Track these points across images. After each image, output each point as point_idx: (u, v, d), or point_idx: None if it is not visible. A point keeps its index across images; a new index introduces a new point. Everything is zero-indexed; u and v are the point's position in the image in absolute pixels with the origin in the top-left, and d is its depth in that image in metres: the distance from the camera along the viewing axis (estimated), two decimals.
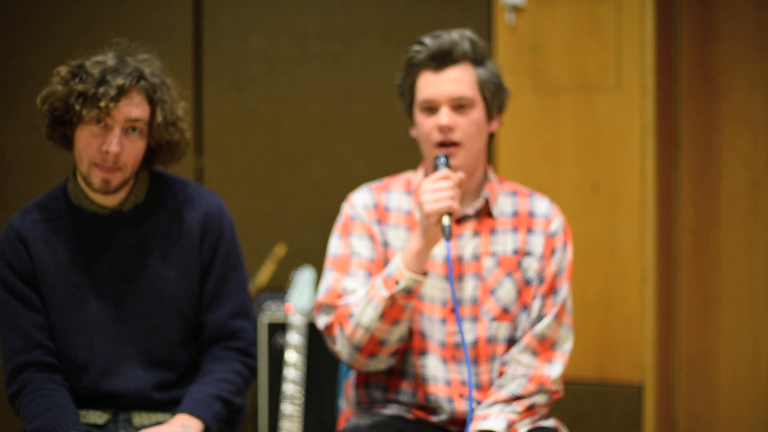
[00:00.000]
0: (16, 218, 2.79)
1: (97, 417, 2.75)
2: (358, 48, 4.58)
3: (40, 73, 2.74)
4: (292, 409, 3.92)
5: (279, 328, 4.19)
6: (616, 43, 4.07)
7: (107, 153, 2.63)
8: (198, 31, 4.56)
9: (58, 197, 2.82)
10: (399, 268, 2.64)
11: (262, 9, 4.59)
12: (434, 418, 2.79)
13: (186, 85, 4.47)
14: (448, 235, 2.59)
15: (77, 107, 2.60)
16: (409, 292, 2.63)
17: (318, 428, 4.16)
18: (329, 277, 2.84)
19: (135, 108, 2.64)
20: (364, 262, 2.82)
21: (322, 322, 2.80)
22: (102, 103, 2.57)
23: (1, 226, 2.81)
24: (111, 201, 2.75)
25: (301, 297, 4.09)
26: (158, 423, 2.74)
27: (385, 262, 2.83)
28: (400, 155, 4.43)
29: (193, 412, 2.66)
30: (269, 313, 4.22)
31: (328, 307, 2.79)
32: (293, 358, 3.97)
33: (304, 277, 4.17)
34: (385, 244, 2.85)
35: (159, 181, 2.87)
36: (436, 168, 2.70)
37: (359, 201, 2.90)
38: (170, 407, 2.78)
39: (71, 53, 2.73)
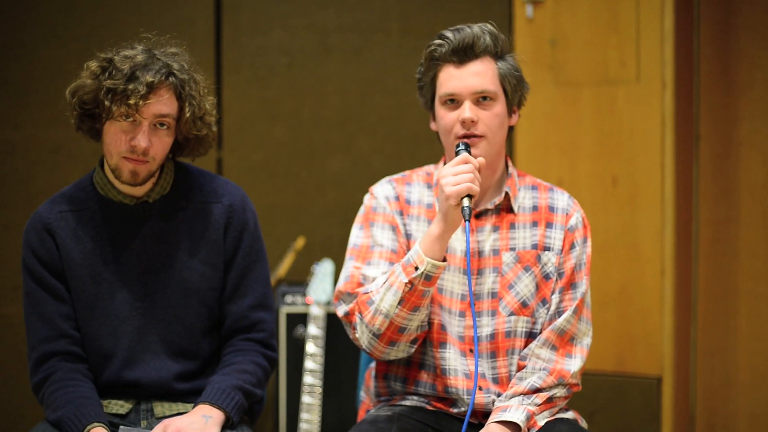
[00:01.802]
0: (42, 209, 2.82)
1: (119, 407, 2.78)
2: (378, 42, 4.59)
3: (62, 68, 2.76)
4: (311, 400, 3.94)
5: (299, 320, 4.21)
6: (636, 37, 4.06)
7: (135, 147, 2.65)
8: (218, 26, 4.57)
9: (84, 188, 2.84)
10: (418, 253, 2.64)
11: (282, 3, 4.61)
12: (454, 410, 2.80)
13: (207, 79, 4.49)
14: (469, 216, 2.59)
15: (106, 103, 2.61)
16: (429, 278, 2.63)
17: (337, 419, 4.18)
18: (349, 265, 2.84)
19: (163, 105, 2.66)
20: (386, 253, 2.83)
21: (341, 310, 2.81)
22: (131, 101, 2.59)
23: (25, 218, 2.84)
24: (137, 191, 2.77)
25: (320, 289, 4.11)
26: (180, 413, 2.76)
27: (407, 252, 2.84)
28: (420, 149, 4.45)
29: (214, 402, 2.68)
30: (289, 305, 4.24)
31: (347, 296, 2.80)
32: (313, 349, 3.99)
33: (323, 269, 4.19)
34: (408, 236, 2.86)
35: (185, 173, 2.89)
36: (457, 155, 2.70)
37: (381, 192, 2.91)
38: (191, 397, 2.80)
39: (93, 48, 2.75)
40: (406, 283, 2.62)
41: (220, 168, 4.58)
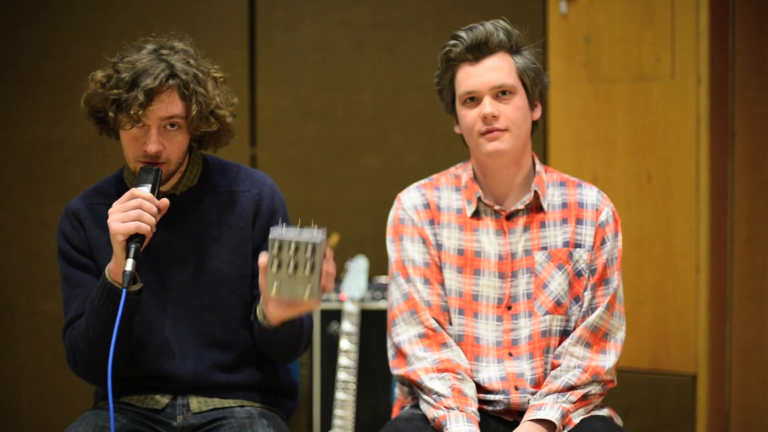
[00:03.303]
0: (74, 201, 2.86)
1: (155, 402, 2.79)
2: (411, 39, 4.59)
3: (95, 66, 2.77)
4: (345, 396, 3.94)
5: (333, 317, 4.22)
6: (671, 33, 4.04)
7: (147, 152, 2.67)
8: (252, 23, 4.59)
9: (113, 183, 2.88)
10: None
11: (316, 0, 4.62)
12: (489, 408, 2.80)
13: (241, 76, 4.50)
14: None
15: (111, 114, 2.64)
16: None
17: (371, 416, 4.19)
18: (400, 282, 2.85)
19: (166, 108, 2.65)
20: (420, 269, 2.84)
21: (400, 336, 2.82)
22: (132, 111, 2.60)
23: (60, 214, 2.87)
24: (164, 186, 2.78)
25: (354, 285, 4.11)
26: (215, 409, 2.78)
27: (439, 265, 2.84)
28: (453, 146, 4.41)
29: None
30: (323, 302, 4.25)
31: (411, 316, 2.82)
32: (347, 345, 4.00)
33: (357, 265, 4.20)
34: (439, 247, 2.85)
35: (212, 164, 2.91)
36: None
37: (409, 202, 2.90)
38: (229, 393, 2.82)
39: (121, 47, 2.77)
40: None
41: (254, 165, 4.60)
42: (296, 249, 2.41)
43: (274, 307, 2.53)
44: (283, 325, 2.65)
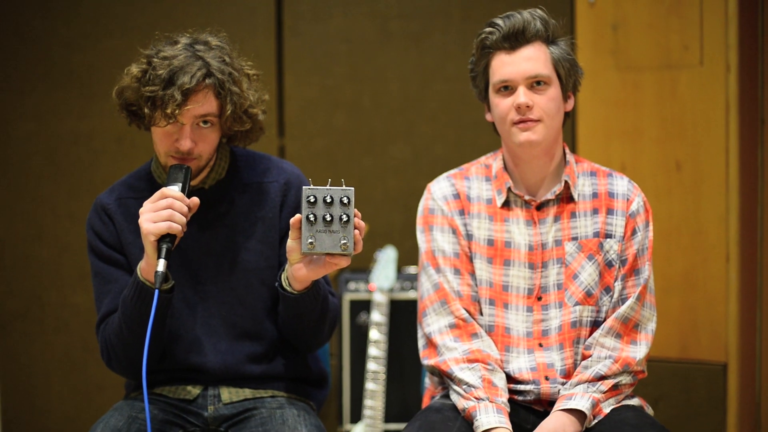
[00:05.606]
0: (102, 195, 2.87)
1: (186, 392, 2.81)
2: (439, 28, 4.58)
3: (124, 59, 2.78)
4: (375, 386, 3.95)
5: (362, 307, 4.23)
6: (699, 20, 4.02)
7: (179, 149, 2.68)
8: (279, 14, 4.59)
9: (142, 177, 2.89)
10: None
11: None
12: (520, 398, 2.80)
13: (268, 67, 4.51)
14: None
15: (146, 110, 2.64)
16: None
17: (401, 406, 4.19)
18: (430, 272, 2.86)
19: (202, 106, 2.66)
20: (450, 260, 2.83)
21: (431, 327, 2.82)
22: (168, 109, 2.60)
23: (89, 207, 2.88)
24: (194, 180, 2.79)
25: (383, 275, 4.12)
26: (246, 399, 2.80)
27: (470, 256, 2.84)
28: (481, 135, 4.43)
29: None
30: (352, 292, 4.25)
31: (441, 306, 2.82)
32: (376, 335, 4.00)
33: (386, 255, 4.20)
34: (469, 237, 2.85)
35: (240, 157, 2.92)
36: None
37: (439, 192, 2.90)
38: (260, 383, 2.84)
39: (154, 39, 2.77)
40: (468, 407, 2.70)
41: (282, 155, 4.60)
42: (331, 200, 2.41)
43: (304, 266, 2.52)
44: (307, 292, 2.63)
